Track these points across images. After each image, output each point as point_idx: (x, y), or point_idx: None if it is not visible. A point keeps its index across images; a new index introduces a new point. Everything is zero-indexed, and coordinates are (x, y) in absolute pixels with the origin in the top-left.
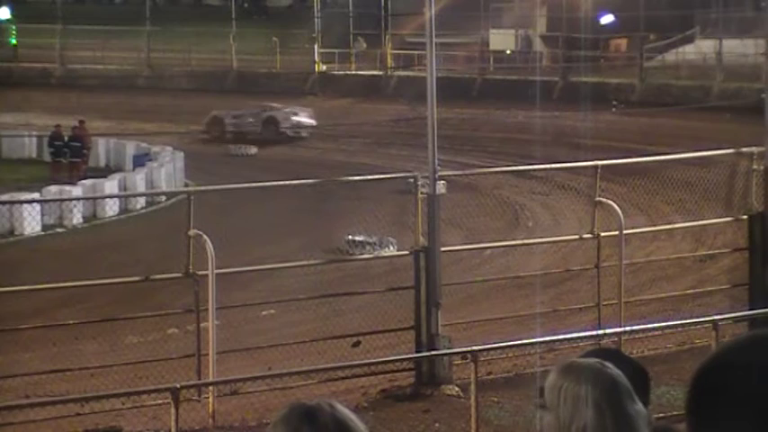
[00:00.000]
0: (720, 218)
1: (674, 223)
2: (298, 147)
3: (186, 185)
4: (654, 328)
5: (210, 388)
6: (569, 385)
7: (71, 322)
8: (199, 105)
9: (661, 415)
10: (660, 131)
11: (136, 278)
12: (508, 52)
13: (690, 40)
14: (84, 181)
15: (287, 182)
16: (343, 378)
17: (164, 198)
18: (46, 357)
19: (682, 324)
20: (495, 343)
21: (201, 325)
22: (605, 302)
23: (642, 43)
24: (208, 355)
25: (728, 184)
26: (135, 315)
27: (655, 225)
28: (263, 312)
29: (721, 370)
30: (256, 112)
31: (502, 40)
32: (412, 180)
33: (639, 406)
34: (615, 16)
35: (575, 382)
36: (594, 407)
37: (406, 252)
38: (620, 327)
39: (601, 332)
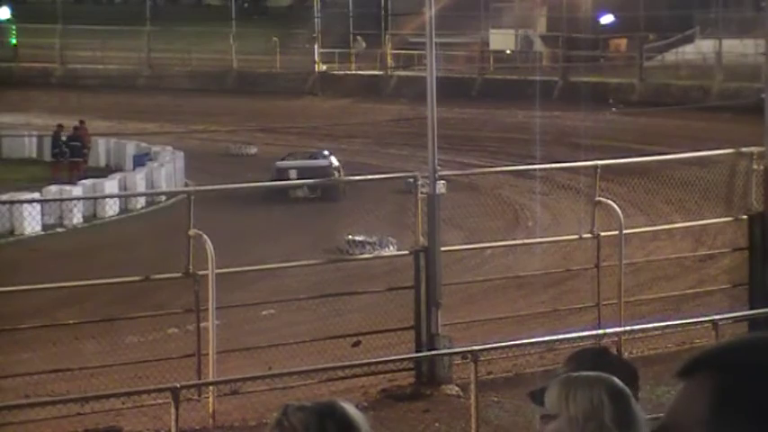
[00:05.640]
0: (720, 218)
1: (674, 223)
2: (297, 147)
3: (186, 185)
4: (654, 328)
5: (210, 388)
6: (581, 391)
7: (71, 322)
8: (199, 105)
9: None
10: (660, 131)
11: (136, 278)
12: (508, 52)
13: (690, 40)
14: (84, 181)
15: (287, 182)
16: (343, 378)
17: (164, 198)
18: (46, 357)
19: (682, 324)
20: (495, 343)
21: (201, 325)
22: (605, 302)
23: (642, 43)
24: (208, 354)
25: (728, 184)
26: (135, 315)
27: (655, 225)
28: (264, 312)
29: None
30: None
31: (502, 40)
32: (412, 180)
33: (640, 408)
34: (615, 16)
35: (587, 387)
36: (610, 405)
37: (406, 252)
38: (620, 326)
39: (601, 332)
